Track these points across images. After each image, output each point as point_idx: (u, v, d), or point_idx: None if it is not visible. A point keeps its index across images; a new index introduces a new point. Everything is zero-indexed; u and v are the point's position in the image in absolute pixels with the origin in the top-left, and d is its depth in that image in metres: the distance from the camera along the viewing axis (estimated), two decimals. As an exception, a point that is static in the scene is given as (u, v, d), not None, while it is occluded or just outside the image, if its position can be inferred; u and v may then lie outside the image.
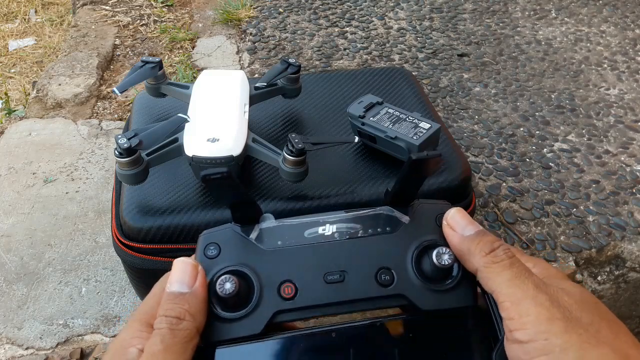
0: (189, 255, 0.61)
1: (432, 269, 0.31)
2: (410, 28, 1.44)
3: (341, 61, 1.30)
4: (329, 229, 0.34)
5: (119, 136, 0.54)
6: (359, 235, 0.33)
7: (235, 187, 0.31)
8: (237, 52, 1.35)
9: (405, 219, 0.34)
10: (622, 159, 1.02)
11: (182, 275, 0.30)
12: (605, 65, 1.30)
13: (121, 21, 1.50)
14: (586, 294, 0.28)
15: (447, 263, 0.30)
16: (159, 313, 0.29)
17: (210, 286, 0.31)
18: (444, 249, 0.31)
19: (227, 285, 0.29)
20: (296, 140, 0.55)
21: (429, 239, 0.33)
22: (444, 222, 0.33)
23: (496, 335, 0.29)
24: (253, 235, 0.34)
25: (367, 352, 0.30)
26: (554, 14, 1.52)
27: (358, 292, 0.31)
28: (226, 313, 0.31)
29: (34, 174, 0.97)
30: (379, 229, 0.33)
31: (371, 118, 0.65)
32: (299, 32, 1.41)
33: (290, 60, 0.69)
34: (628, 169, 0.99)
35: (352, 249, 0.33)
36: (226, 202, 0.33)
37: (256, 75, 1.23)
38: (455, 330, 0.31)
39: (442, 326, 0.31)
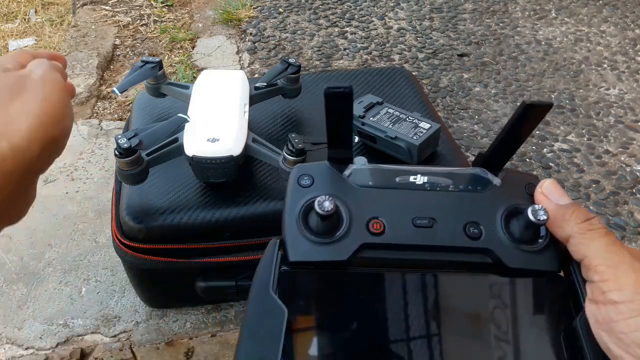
0: (189, 256, 0.61)
1: (523, 228, 0.32)
2: (410, 28, 1.44)
3: (341, 61, 1.30)
4: (420, 179, 0.34)
5: (119, 136, 0.54)
6: (450, 189, 0.34)
7: (349, 110, 0.32)
8: (237, 52, 1.35)
9: (496, 181, 0.34)
10: (622, 159, 1.02)
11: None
12: (605, 65, 1.30)
13: (121, 21, 1.50)
14: None
15: (542, 219, 0.30)
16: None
17: (303, 210, 0.32)
18: (540, 206, 0.31)
19: (326, 204, 0.30)
20: (296, 141, 0.55)
21: (519, 203, 0.33)
22: (538, 190, 0.33)
23: (579, 304, 0.30)
24: (346, 173, 0.34)
25: (447, 302, 0.31)
26: (554, 14, 1.51)
27: (445, 240, 0.32)
28: (315, 237, 0.31)
29: (34, 174, 0.97)
30: (469, 187, 0.34)
31: (371, 118, 0.65)
32: (299, 32, 1.41)
33: (290, 60, 0.69)
34: (628, 169, 0.99)
35: (442, 200, 0.33)
36: (333, 124, 0.33)
37: (256, 75, 1.23)
38: (537, 295, 0.31)
39: (525, 289, 0.31)
